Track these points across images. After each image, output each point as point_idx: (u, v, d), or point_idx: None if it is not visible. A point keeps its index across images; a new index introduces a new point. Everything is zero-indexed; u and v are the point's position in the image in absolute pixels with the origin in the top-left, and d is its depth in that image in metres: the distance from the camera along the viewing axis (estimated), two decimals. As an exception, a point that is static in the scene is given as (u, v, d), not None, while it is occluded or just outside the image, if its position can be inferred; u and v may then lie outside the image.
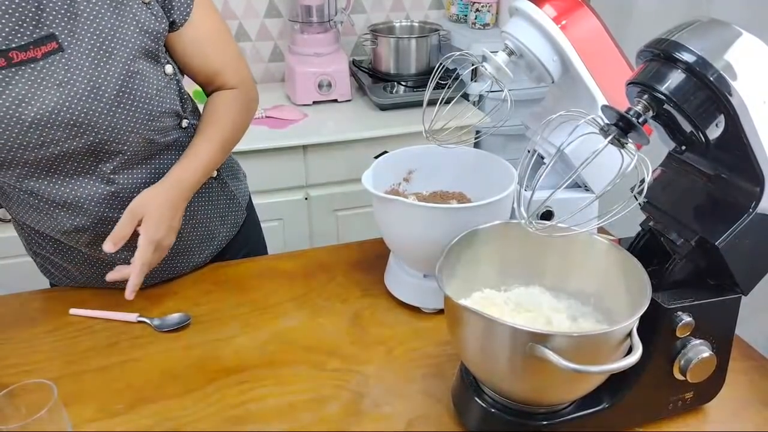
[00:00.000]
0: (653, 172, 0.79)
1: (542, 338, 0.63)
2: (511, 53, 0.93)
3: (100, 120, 0.88)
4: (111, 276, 0.93)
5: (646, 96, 0.68)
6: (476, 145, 1.66)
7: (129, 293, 0.90)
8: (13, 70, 0.82)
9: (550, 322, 0.77)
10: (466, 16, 2.30)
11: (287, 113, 1.97)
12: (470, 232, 0.81)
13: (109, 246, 0.89)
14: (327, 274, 1.11)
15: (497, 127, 0.97)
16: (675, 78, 0.65)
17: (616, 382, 0.73)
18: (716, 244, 0.69)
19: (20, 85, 0.83)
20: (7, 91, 0.82)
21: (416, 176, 1.09)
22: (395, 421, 0.80)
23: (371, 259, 1.14)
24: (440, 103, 0.93)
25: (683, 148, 0.74)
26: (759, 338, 0.99)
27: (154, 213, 0.92)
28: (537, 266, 0.84)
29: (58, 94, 0.84)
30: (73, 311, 1.00)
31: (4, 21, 0.80)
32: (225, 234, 1.17)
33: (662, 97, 0.66)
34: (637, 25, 1.80)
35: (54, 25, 0.84)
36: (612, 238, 0.81)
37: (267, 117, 1.95)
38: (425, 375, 0.88)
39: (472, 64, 0.97)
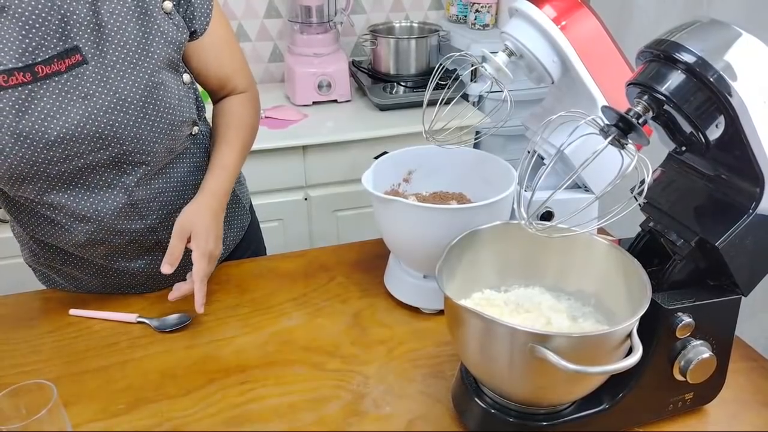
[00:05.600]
0: (653, 172, 0.79)
1: (542, 339, 0.63)
2: (510, 54, 0.93)
3: (126, 132, 0.88)
4: (173, 296, 0.95)
5: (646, 97, 0.68)
6: (476, 146, 1.66)
7: (199, 307, 0.92)
8: (39, 84, 0.81)
9: (550, 323, 0.77)
10: (465, 16, 2.30)
11: (287, 114, 1.97)
12: (470, 232, 0.81)
13: (167, 269, 0.91)
14: (327, 274, 1.11)
15: (497, 128, 0.98)
16: (675, 79, 0.65)
17: (616, 382, 0.73)
18: (716, 244, 0.69)
19: (45, 99, 0.82)
20: (32, 107, 0.81)
21: (416, 176, 1.09)
22: (395, 422, 0.80)
23: (371, 259, 1.14)
24: (440, 103, 0.93)
25: (683, 148, 0.74)
26: (759, 339, 0.99)
27: (201, 227, 0.95)
28: (537, 267, 0.84)
29: (83, 108, 0.84)
30: (73, 311, 1.00)
31: (30, 36, 0.80)
32: (232, 238, 1.18)
33: (662, 97, 0.66)
34: (637, 25, 1.80)
35: (78, 38, 0.83)
36: (612, 238, 0.82)
37: (267, 117, 1.95)
38: (425, 375, 0.88)
39: (472, 65, 0.97)
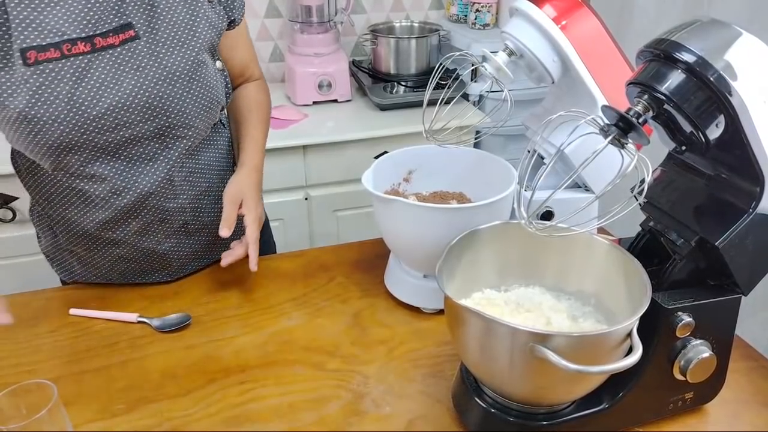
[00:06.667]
0: (653, 172, 0.79)
1: (542, 338, 0.63)
2: (511, 53, 0.93)
3: (172, 104, 0.95)
4: (226, 261, 1.02)
5: (646, 96, 0.68)
6: (476, 146, 1.66)
7: (253, 265, 1.01)
8: (95, 55, 0.88)
9: (550, 323, 0.77)
10: (466, 16, 2.30)
11: (287, 113, 1.97)
12: (470, 232, 0.81)
13: (225, 232, 1.00)
14: (327, 274, 1.11)
15: (497, 128, 0.98)
16: (675, 78, 0.65)
17: (616, 382, 0.73)
18: (716, 244, 0.69)
19: (100, 70, 0.88)
20: (88, 77, 0.87)
21: (416, 176, 1.09)
22: (395, 422, 0.80)
23: (371, 259, 1.14)
24: (440, 103, 0.93)
25: (683, 148, 0.74)
26: (759, 338, 0.99)
27: (250, 194, 1.06)
28: (537, 266, 0.84)
29: (135, 79, 0.91)
30: (73, 311, 1.00)
31: (93, 12, 0.87)
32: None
33: (662, 97, 0.66)
34: (637, 25, 1.80)
35: (132, 15, 0.91)
36: (612, 238, 0.82)
37: (267, 117, 1.95)
38: (425, 375, 0.88)
39: (472, 65, 0.97)
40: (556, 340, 0.63)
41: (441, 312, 0.99)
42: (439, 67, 0.94)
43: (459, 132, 1.01)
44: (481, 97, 2.02)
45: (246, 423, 0.80)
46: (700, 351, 0.73)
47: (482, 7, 2.21)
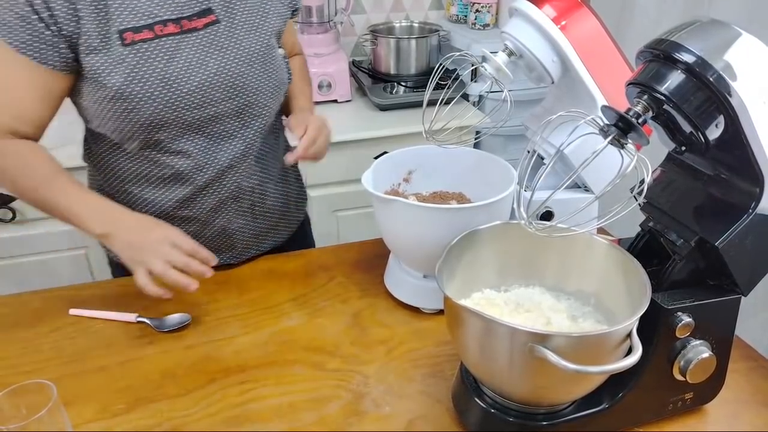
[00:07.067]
0: (653, 172, 0.79)
1: (542, 338, 0.63)
2: (510, 54, 0.93)
3: (251, 83, 1.02)
4: (290, 159, 1.06)
5: (645, 96, 0.68)
6: (476, 146, 1.66)
7: (301, 151, 1.05)
8: (183, 36, 0.96)
9: (549, 323, 0.77)
10: (465, 16, 2.30)
11: (287, 113, 1.97)
12: (470, 232, 0.81)
13: (291, 158, 1.05)
14: (327, 274, 1.11)
15: (497, 128, 0.98)
16: (675, 78, 0.65)
17: (616, 382, 0.73)
18: (716, 244, 0.69)
19: (188, 51, 0.96)
20: (177, 56, 0.95)
21: (416, 176, 1.09)
22: (395, 422, 0.80)
23: (371, 259, 1.14)
24: (440, 103, 0.93)
25: (683, 148, 0.74)
26: (759, 339, 0.99)
27: (314, 118, 1.13)
28: (537, 267, 0.84)
29: (219, 59, 0.98)
30: (72, 311, 1.00)
31: None
32: (296, 216, 1.26)
33: (662, 97, 0.66)
34: (637, 25, 1.80)
35: (213, 2, 0.99)
36: (612, 238, 0.82)
37: (267, 117, 1.95)
38: (425, 375, 0.88)
39: (472, 65, 0.97)
40: (555, 340, 0.63)
41: (441, 312, 0.99)
42: (438, 67, 0.94)
43: (459, 132, 1.01)
44: (480, 97, 2.02)
45: (246, 423, 0.80)
46: (700, 351, 0.73)
47: (482, 7, 2.21)
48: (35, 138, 0.97)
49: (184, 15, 0.95)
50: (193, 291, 0.89)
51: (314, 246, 1.34)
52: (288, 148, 1.23)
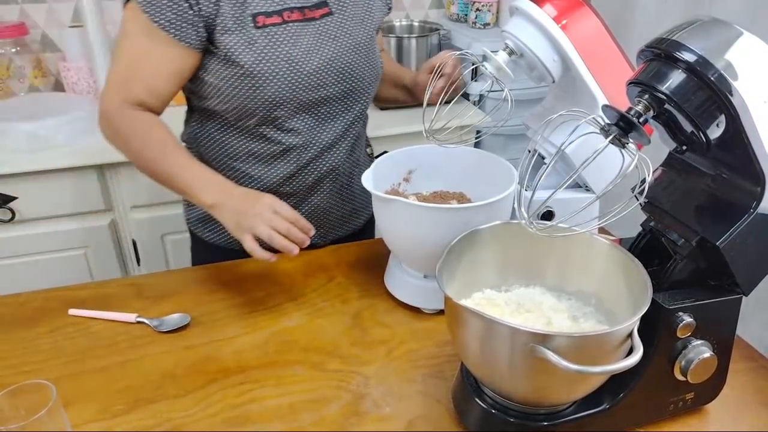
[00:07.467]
0: (654, 172, 0.79)
1: (543, 339, 0.63)
2: (511, 53, 0.92)
3: (357, 71, 1.12)
4: (427, 65, 1.14)
5: (646, 96, 0.68)
6: (476, 145, 1.65)
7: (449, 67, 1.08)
8: (303, 24, 1.06)
9: (550, 323, 0.77)
10: (466, 15, 2.30)
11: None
12: (470, 232, 0.81)
13: (440, 85, 1.06)
14: (327, 274, 1.11)
15: (498, 127, 0.97)
16: (676, 78, 0.65)
17: (617, 382, 0.73)
18: (717, 244, 0.69)
19: (307, 37, 1.05)
20: (300, 41, 1.05)
21: (416, 176, 1.09)
22: (395, 422, 0.80)
23: (371, 259, 1.13)
24: (440, 102, 0.93)
25: (684, 148, 0.74)
26: (760, 339, 0.99)
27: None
28: (537, 266, 0.84)
29: (333, 47, 1.08)
30: (72, 311, 1.00)
31: None
32: (370, 205, 1.27)
33: (663, 96, 0.66)
34: (638, 24, 1.80)
35: None
36: (613, 238, 0.81)
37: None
38: (425, 375, 0.87)
39: (473, 64, 0.97)
40: (556, 340, 0.63)
41: (441, 312, 0.99)
42: (439, 66, 0.94)
43: (459, 131, 1.01)
44: (481, 96, 2.02)
45: (246, 423, 0.80)
46: (701, 351, 0.73)
47: (482, 6, 2.21)
48: (158, 112, 1.06)
49: (306, 5, 1.06)
50: (295, 255, 0.93)
51: (374, 237, 1.38)
52: (368, 143, 1.33)
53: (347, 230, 1.27)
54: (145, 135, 1.02)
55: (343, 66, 1.09)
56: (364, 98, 1.17)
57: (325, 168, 1.16)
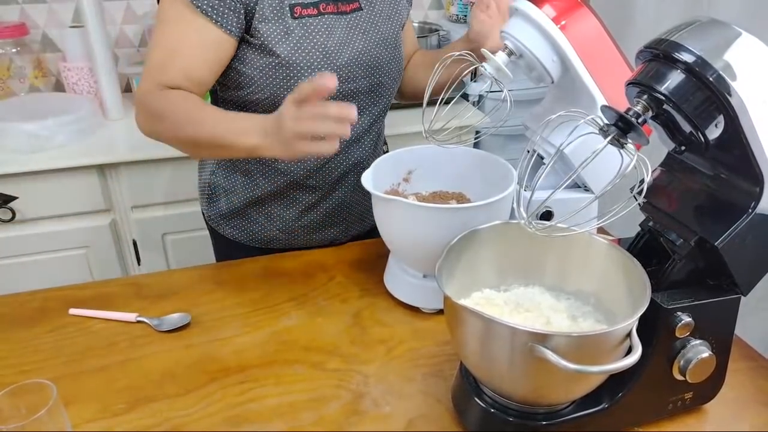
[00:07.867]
0: (653, 172, 0.79)
1: (542, 338, 0.63)
2: (510, 53, 0.93)
3: (384, 66, 1.14)
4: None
5: (645, 96, 0.68)
6: (476, 146, 1.66)
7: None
8: (335, 17, 1.07)
9: (549, 322, 0.77)
10: (465, 16, 2.30)
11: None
12: (470, 232, 0.81)
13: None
14: (327, 273, 1.11)
15: (497, 128, 0.98)
16: (674, 78, 0.65)
17: (616, 382, 0.73)
18: (716, 244, 0.69)
19: (339, 30, 1.07)
20: (333, 34, 1.06)
21: (416, 176, 1.09)
22: (395, 421, 0.80)
23: (371, 259, 1.14)
24: (440, 103, 0.93)
25: (683, 148, 0.74)
26: (759, 338, 0.99)
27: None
28: (537, 266, 0.84)
29: (363, 41, 1.10)
30: (72, 311, 1.00)
31: None
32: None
33: (662, 97, 0.66)
34: (637, 25, 1.80)
35: None
36: (611, 238, 0.82)
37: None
38: (425, 375, 0.88)
39: (472, 64, 0.97)
40: (555, 339, 0.63)
41: (441, 312, 0.99)
42: (438, 67, 0.94)
43: (459, 132, 1.01)
44: (480, 97, 2.02)
45: (246, 423, 0.80)
46: (700, 351, 0.73)
47: (482, 6, 2.21)
48: None
49: (338, 0, 1.08)
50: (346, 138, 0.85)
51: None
52: (385, 141, 1.34)
53: (367, 226, 1.28)
54: (177, 104, 0.98)
55: (371, 60, 1.11)
56: (389, 93, 1.19)
57: (350, 162, 1.17)
